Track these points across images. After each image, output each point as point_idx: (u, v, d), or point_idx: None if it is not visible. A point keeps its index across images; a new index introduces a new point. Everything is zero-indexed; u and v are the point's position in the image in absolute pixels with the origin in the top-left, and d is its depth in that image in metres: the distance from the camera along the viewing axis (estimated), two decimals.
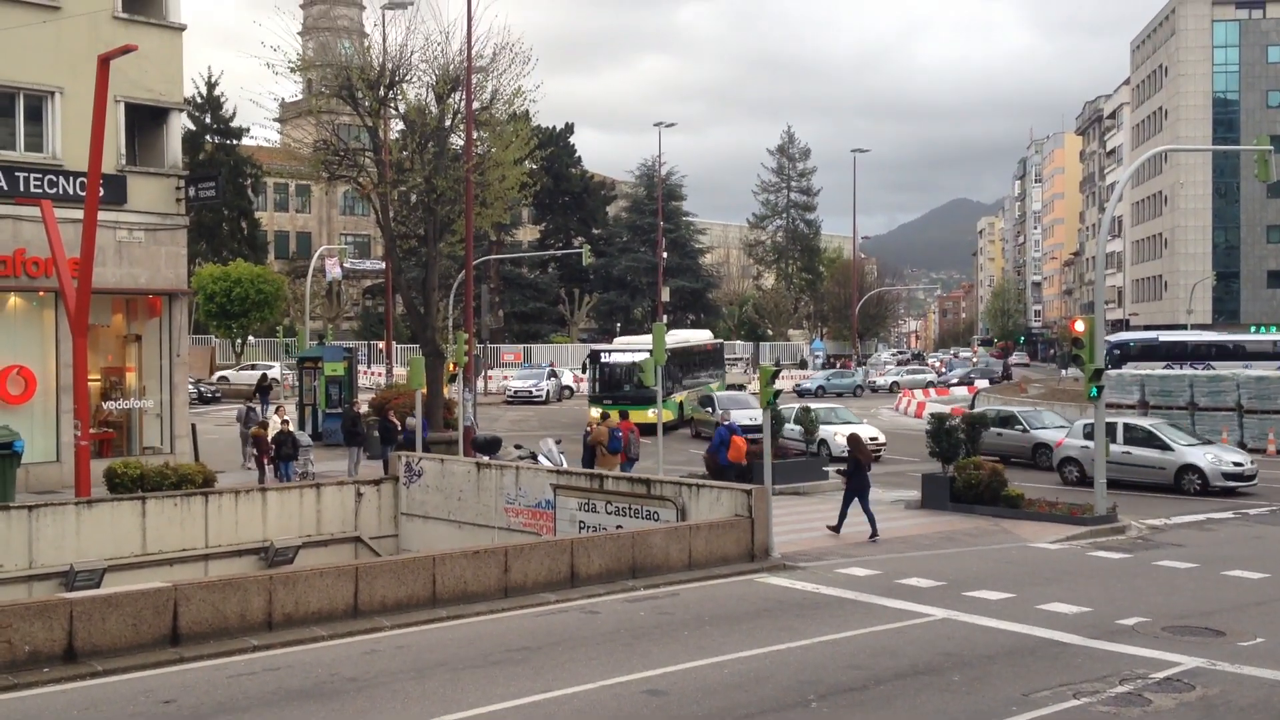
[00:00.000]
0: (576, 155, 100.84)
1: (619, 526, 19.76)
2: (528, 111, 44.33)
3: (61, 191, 28.00)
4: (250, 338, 76.25)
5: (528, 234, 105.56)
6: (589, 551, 16.96)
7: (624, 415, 34.87)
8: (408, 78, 39.35)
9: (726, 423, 28.04)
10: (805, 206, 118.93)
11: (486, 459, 25.15)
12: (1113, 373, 40.98)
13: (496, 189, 40.48)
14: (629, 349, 46.16)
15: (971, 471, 24.74)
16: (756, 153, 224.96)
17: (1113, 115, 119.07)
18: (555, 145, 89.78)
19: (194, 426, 31.47)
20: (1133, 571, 18.76)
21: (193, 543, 21.94)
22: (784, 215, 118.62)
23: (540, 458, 27.56)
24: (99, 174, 24.09)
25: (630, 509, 20.32)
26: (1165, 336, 68.69)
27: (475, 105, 38.72)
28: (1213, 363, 61.61)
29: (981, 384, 65.43)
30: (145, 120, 30.50)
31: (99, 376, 29.78)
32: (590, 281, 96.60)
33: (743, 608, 15.78)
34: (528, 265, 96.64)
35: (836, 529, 21.94)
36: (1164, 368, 61.64)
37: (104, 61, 23.67)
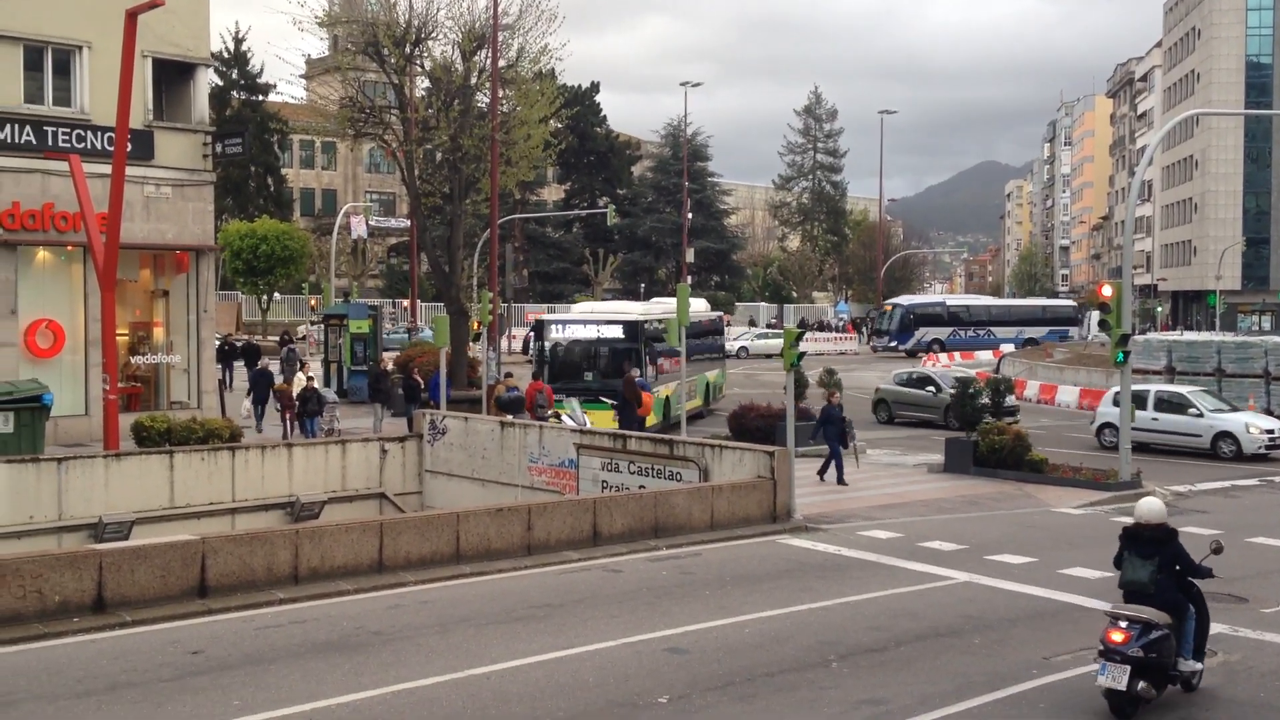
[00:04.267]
0: (602, 115, 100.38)
1: (642, 486, 19.83)
2: (553, 70, 44.16)
3: (90, 146, 28.09)
4: (276, 295, 76.51)
5: (553, 193, 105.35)
6: (611, 511, 17.05)
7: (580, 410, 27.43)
8: (434, 35, 39.25)
9: (639, 380, 28.41)
10: (831, 168, 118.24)
11: (510, 417, 25.23)
12: (1139, 338, 40.78)
13: (522, 148, 40.40)
14: (590, 319, 33.00)
15: (995, 436, 24.69)
16: (767, 115, 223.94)
17: (1144, 78, 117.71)
18: (580, 104, 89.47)
19: (220, 382, 31.67)
20: None
21: (220, 497, 22.13)
22: (810, 177, 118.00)
23: (564, 417, 27.62)
24: (127, 129, 24.13)
25: (653, 469, 20.38)
26: (952, 301, 77.67)
27: (501, 63, 38.58)
28: (991, 327, 72.72)
29: (1007, 349, 65.22)
30: (172, 76, 30.51)
31: (127, 331, 29.96)
32: (615, 242, 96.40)
33: (764, 568, 15.84)
34: (552, 225, 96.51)
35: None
36: (950, 332, 71.11)
37: (131, 16, 23.65)
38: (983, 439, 24.83)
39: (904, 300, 75.84)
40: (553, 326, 32.40)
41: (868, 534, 18.35)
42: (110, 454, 21.51)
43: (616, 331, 31.46)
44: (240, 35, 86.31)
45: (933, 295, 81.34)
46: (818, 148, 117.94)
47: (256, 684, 10.50)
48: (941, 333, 70.89)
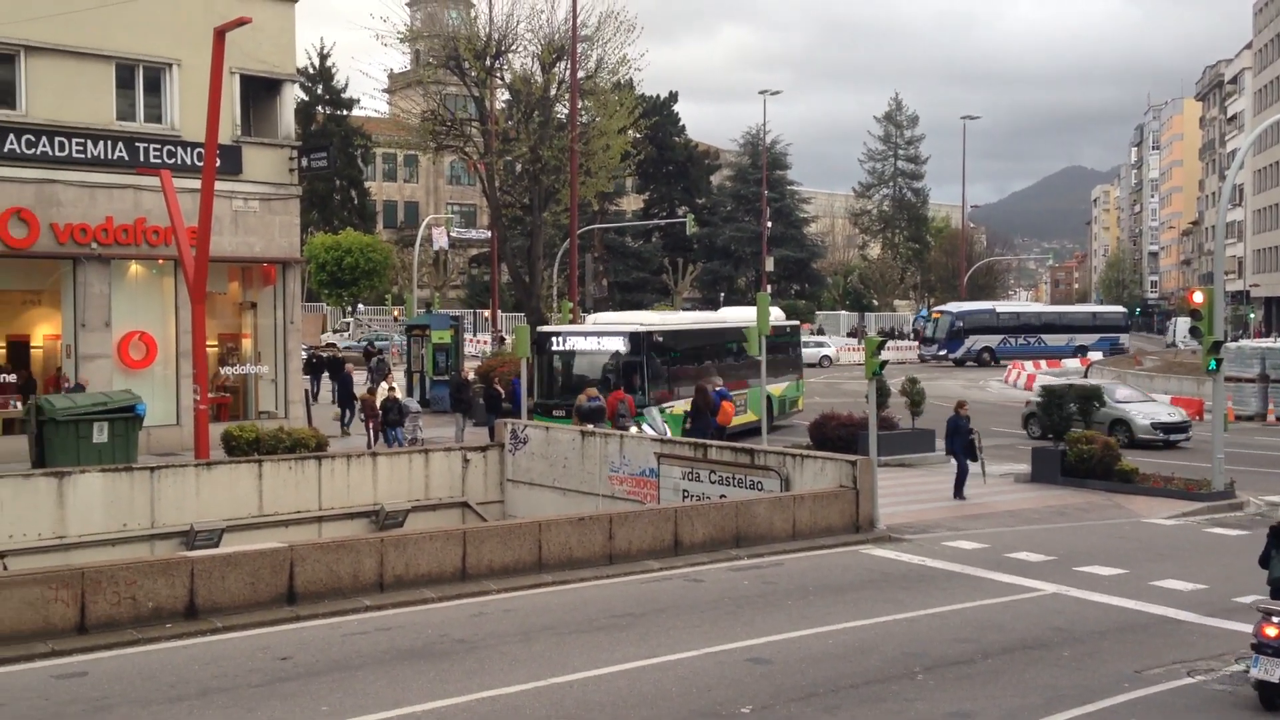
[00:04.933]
0: (680, 124, 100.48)
1: (722, 496, 19.77)
2: (632, 80, 44.38)
3: (180, 162, 28.72)
4: (360, 305, 77.63)
5: (631, 203, 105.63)
6: (693, 520, 17.01)
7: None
8: (514, 47, 39.64)
9: (718, 389, 28.14)
10: (913, 175, 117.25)
11: (591, 427, 25.30)
12: (1232, 345, 39.90)
13: (601, 158, 40.63)
14: (591, 330, 30.78)
15: (1083, 445, 24.26)
16: (847, 121, 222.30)
17: (1234, 80, 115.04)
18: (659, 114, 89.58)
19: (306, 392, 32.17)
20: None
21: (307, 505, 22.44)
22: (891, 184, 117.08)
23: (644, 426, 27.65)
24: (215, 144, 24.62)
25: (734, 478, 20.31)
26: (1001, 308, 75.66)
27: (580, 74, 38.80)
28: (1042, 334, 71.33)
29: (1095, 356, 64.09)
30: (259, 92, 31.10)
31: (216, 342, 30.57)
32: (694, 251, 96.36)
33: (847, 578, 15.71)
34: (631, 234, 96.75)
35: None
36: (1000, 340, 69.89)
37: (219, 34, 24.14)
38: (1070, 448, 24.40)
39: (952, 307, 74.29)
40: (552, 339, 29.89)
41: (953, 544, 18.12)
42: (201, 463, 21.93)
43: (618, 344, 28.90)
44: (325, 51, 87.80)
45: (983, 303, 79.66)
46: (899, 154, 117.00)
47: (344, 690, 10.63)
48: (991, 340, 69.71)
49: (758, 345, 27.51)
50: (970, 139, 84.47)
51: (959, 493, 22.74)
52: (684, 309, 75.57)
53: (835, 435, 27.65)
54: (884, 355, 24.78)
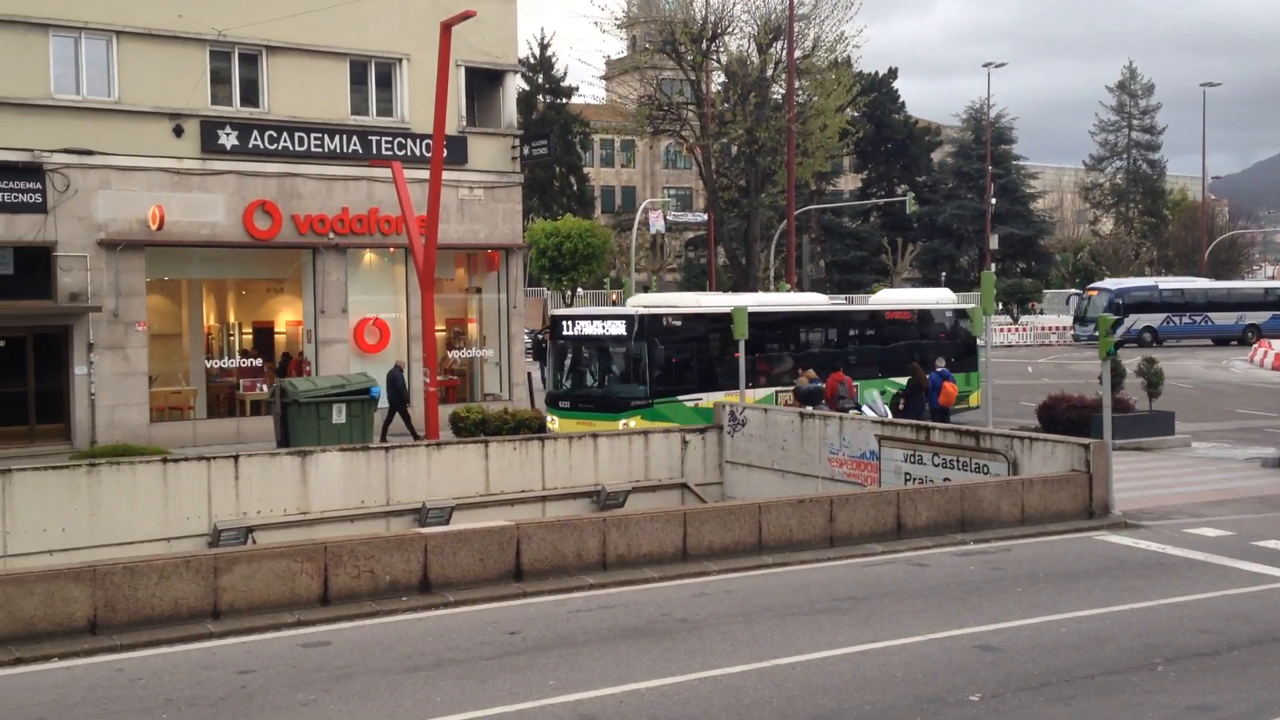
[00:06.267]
0: (899, 101, 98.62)
1: (946, 479, 19.32)
2: (849, 58, 43.76)
3: (409, 153, 29.82)
4: (579, 290, 79.06)
5: (849, 183, 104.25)
6: (916, 503, 16.67)
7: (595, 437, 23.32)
8: (730, 29, 39.67)
9: (940, 369, 27.17)
10: (1148, 146, 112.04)
11: (810, 409, 25.09)
12: None
13: (818, 138, 40.26)
14: (597, 314, 28.51)
15: None
16: (1074, 93, 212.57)
17: None
18: (877, 91, 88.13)
19: (530, 375, 32.97)
20: None
21: (530, 484, 22.99)
22: (1124, 156, 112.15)
23: (864, 408, 27.27)
24: (443, 136, 25.43)
25: (958, 461, 19.81)
26: (1165, 285, 68.41)
27: (797, 54, 38.46)
28: (1209, 313, 65.98)
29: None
30: (483, 83, 31.99)
31: (444, 327, 31.63)
32: (913, 230, 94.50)
33: (1080, 565, 15.12)
34: (849, 214, 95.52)
35: None
36: (1163, 319, 64.46)
37: (446, 28, 24.91)
38: None
39: (1110, 284, 69.21)
40: (563, 324, 27.60)
41: (1194, 531, 17.21)
42: (432, 443, 22.72)
43: (619, 329, 26.43)
44: (545, 41, 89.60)
45: (1143, 279, 73.90)
46: (1132, 125, 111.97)
47: (570, 665, 10.84)
48: (1154, 319, 64.60)
49: (981, 327, 26.75)
50: (1210, 107, 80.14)
51: None
52: (902, 289, 74.04)
53: (1065, 417, 26.67)
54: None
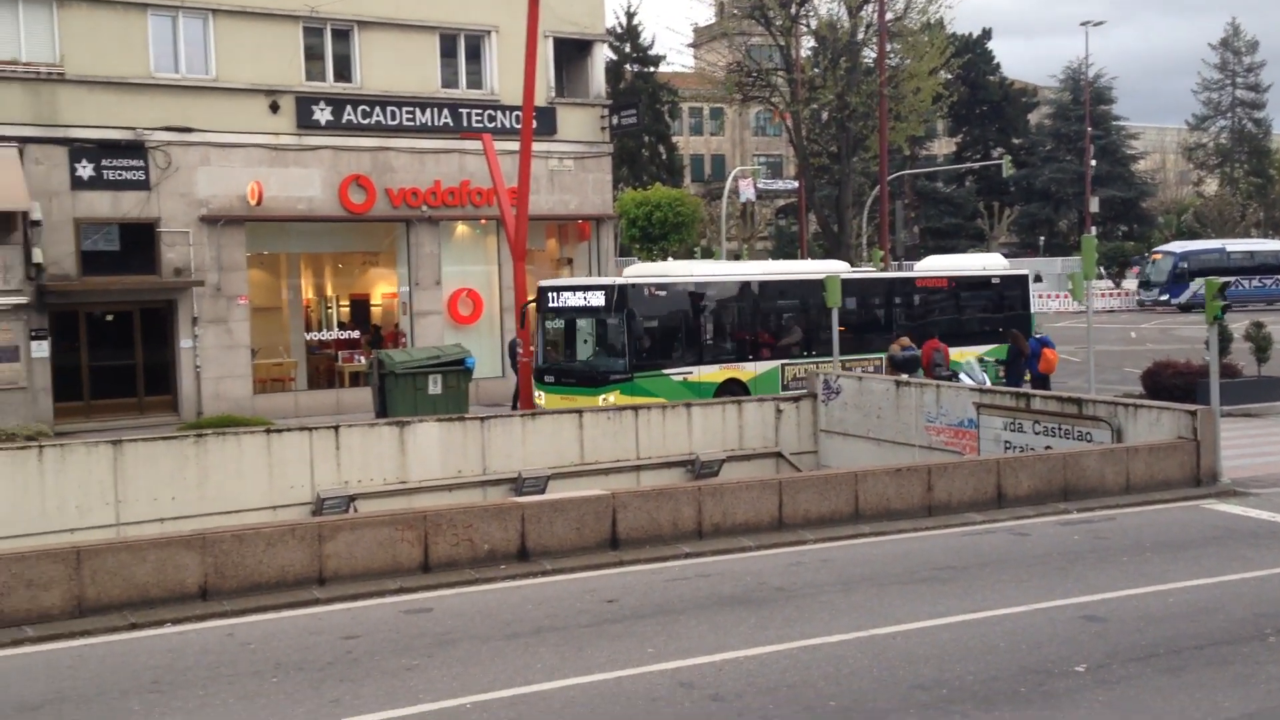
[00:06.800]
0: (995, 62, 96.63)
1: (1047, 447, 18.99)
2: (942, 19, 43.02)
3: (499, 125, 29.99)
4: (670, 259, 79.00)
5: (943, 147, 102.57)
6: (1016, 472, 16.42)
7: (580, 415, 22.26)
8: None
9: (1039, 335, 26.33)
10: (1253, 104, 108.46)
11: (905, 377, 24.81)
12: None
13: (911, 101, 39.68)
14: (579, 285, 26.48)
15: None
16: (1173, 51, 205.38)
17: None
18: (971, 53, 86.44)
19: None
20: None
21: (624, 454, 23.05)
22: (1229, 115, 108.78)
23: (961, 375, 26.91)
24: (532, 107, 25.51)
25: (1060, 429, 19.47)
26: (1233, 247, 65.44)
27: (888, 16, 37.89)
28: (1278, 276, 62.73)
29: None
30: (571, 53, 32.01)
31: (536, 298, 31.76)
32: (1010, 194, 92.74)
33: (1187, 535, 14.78)
34: (943, 179, 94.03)
35: None
36: (1231, 282, 56.89)
37: None
38: None
39: (1175, 247, 66.49)
40: (549, 295, 26.06)
41: None
42: (526, 413, 22.90)
43: (598, 299, 24.98)
44: (631, 10, 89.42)
45: (1210, 241, 70.54)
46: (1237, 83, 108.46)
47: (667, 633, 10.87)
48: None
49: (1081, 291, 26.10)
50: None
51: None
52: (1001, 254, 72.71)
53: (1171, 384, 26.02)
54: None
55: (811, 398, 25.30)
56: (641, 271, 27.87)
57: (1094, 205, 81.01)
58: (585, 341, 26.06)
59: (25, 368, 25.86)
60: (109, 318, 28.33)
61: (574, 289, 25.90)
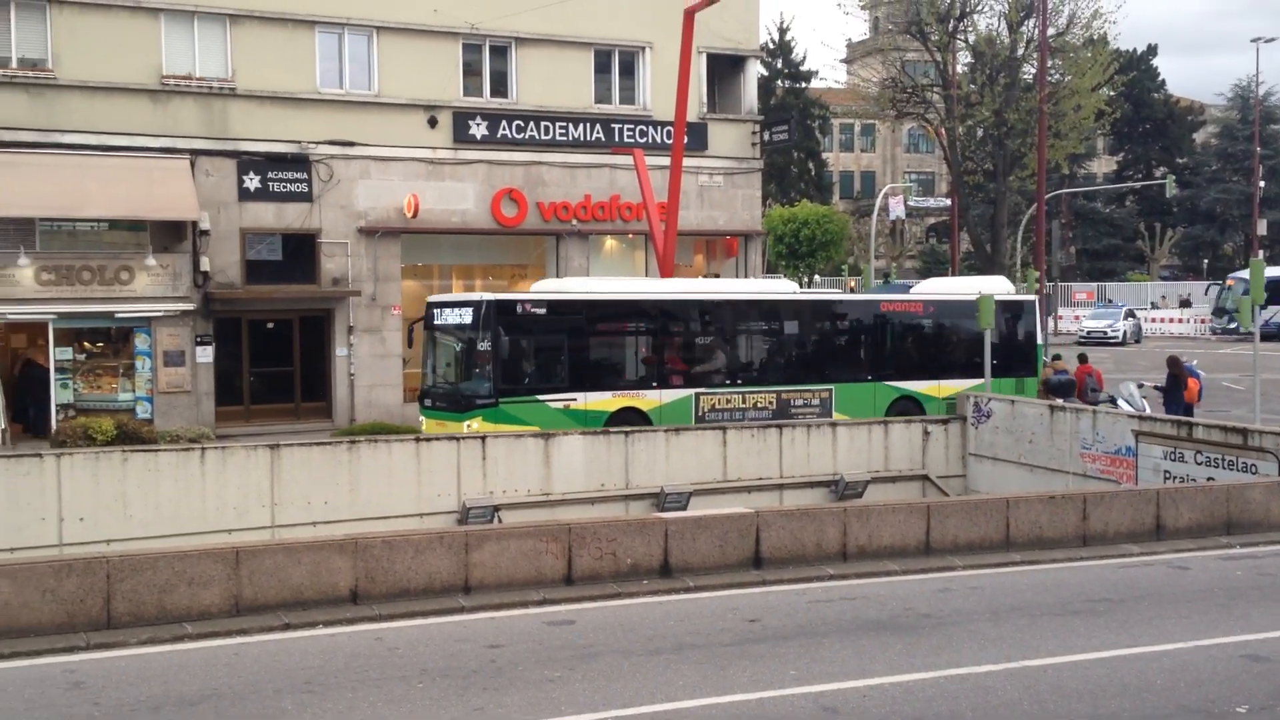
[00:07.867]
0: (1159, 79, 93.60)
1: (1210, 478, 18.28)
2: (1105, 35, 41.86)
3: (650, 140, 30.16)
4: (816, 277, 78.39)
5: (1102, 165, 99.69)
6: (1176, 503, 15.83)
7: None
8: (978, 7, 38.46)
9: (1188, 364, 25.22)
10: None
11: (1060, 401, 24.17)
12: None
13: (1071, 119, 38.70)
14: (452, 301, 24.59)
15: None
16: None
17: None
18: (1135, 69, 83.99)
19: None
20: None
21: (768, 472, 22.94)
22: None
23: (1120, 402, 26.09)
24: (684, 123, 25.60)
25: (1223, 460, 18.74)
26: None
27: (1050, 31, 37.05)
28: None
29: None
30: (724, 69, 32.04)
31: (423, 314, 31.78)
32: (1173, 215, 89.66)
33: None
34: (1102, 199, 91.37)
35: None
36: None
37: (690, 14, 25.04)
38: None
39: (1245, 274, 61.87)
40: (433, 311, 24.21)
41: None
42: (670, 428, 22.94)
43: (466, 317, 23.10)
44: (784, 25, 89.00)
45: None
46: None
47: (810, 656, 10.74)
48: None
49: (1250, 316, 25.03)
50: None
51: None
52: (1160, 277, 70.25)
53: None
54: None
55: (961, 420, 24.85)
56: (544, 288, 25.62)
57: (1261, 228, 77.83)
58: (453, 363, 24.23)
59: (190, 372, 26.89)
60: (270, 325, 29.30)
61: (451, 305, 24.01)
